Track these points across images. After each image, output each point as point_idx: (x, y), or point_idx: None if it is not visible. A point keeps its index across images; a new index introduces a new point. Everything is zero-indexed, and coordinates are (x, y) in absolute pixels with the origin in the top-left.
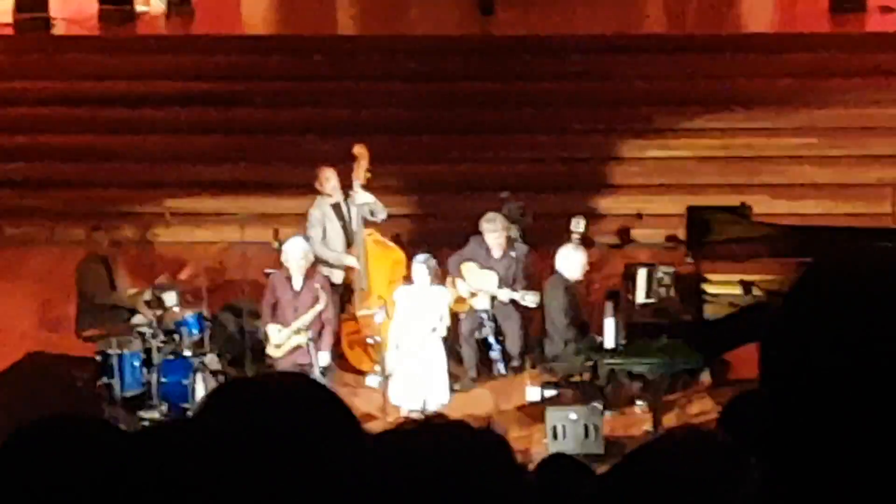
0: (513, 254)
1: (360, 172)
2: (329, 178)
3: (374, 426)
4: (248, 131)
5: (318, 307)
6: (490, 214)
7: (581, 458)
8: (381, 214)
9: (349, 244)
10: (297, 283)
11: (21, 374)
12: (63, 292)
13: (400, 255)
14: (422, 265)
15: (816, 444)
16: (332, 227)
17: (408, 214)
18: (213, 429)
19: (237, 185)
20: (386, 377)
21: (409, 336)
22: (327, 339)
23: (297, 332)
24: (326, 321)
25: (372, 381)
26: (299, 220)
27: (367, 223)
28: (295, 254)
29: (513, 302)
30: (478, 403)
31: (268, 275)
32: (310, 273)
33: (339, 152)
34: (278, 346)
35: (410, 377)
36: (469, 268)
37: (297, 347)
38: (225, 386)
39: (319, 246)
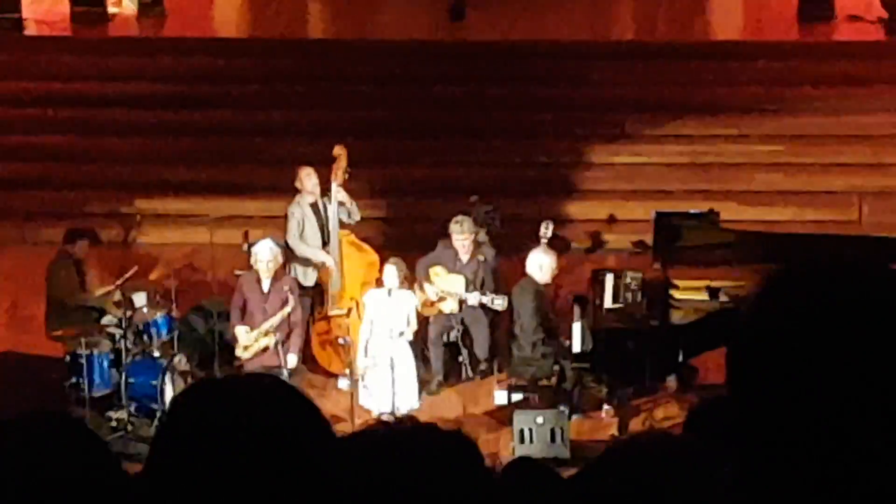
0: (481, 258)
1: (339, 172)
2: (309, 176)
3: (342, 428)
4: (218, 133)
5: (287, 309)
6: (458, 218)
7: (548, 461)
8: (356, 216)
9: (325, 244)
10: (266, 284)
11: None
12: (33, 292)
13: (374, 257)
14: (391, 268)
15: (783, 448)
16: (310, 224)
17: (377, 217)
18: (182, 430)
19: (207, 187)
20: (355, 380)
21: (378, 339)
22: (295, 340)
23: (266, 333)
24: (294, 323)
25: (343, 383)
26: (269, 223)
27: (342, 224)
28: (264, 255)
29: (481, 306)
30: (446, 407)
31: (237, 276)
32: (279, 275)
33: (309, 154)
34: (247, 348)
35: (379, 380)
36: (437, 271)
37: (266, 349)
38: (194, 387)
39: (296, 241)
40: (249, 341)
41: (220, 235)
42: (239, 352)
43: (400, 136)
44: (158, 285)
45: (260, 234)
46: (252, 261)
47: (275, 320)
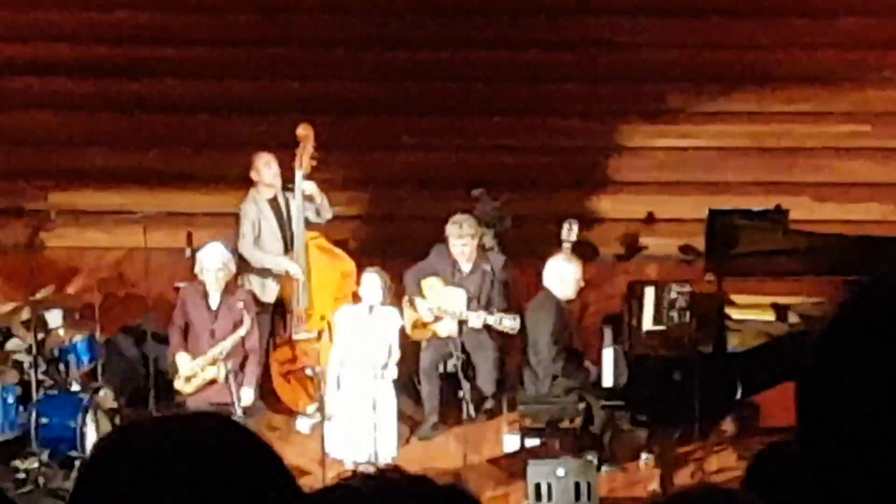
0: (486, 267)
1: (305, 159)
2: (269, 165)
3: (309, 482)
4: (155, 109)
5: (241, 332)
6: (457, 217)
7: None
8: (326, 213)
9: (287, 249)
10: (215, 300)
11: None
12: None
13: (350, 266)
14: (372, 279)
15: None
16: (269, 226)
17: (355, 215)
18: (106, 483)
19: (141, 176)
20: (323, 420)
21: (354, 370)
22: (252, 371)
23: (213, 362)
24: (251, 349)
25: (303, 424)
26: (218, 221)
27: (309, 225)
28: (212, 263)
29: (486, 327)
30: (442, 455)
31: (178, 289)
32: (230, 288)
33: (271, 136)
34: (189, 380)
35: (352, 423)
36: (431, 284)
37: (213, 382)
38: (122, 429)
39: (252, 248)
40: (192, 371)
41: (157, 237)
42: (179, 384)
43: (383, 113)
44: (77, 300)
45: (207, 235)
46: (197, 269)
47: (225, 345)
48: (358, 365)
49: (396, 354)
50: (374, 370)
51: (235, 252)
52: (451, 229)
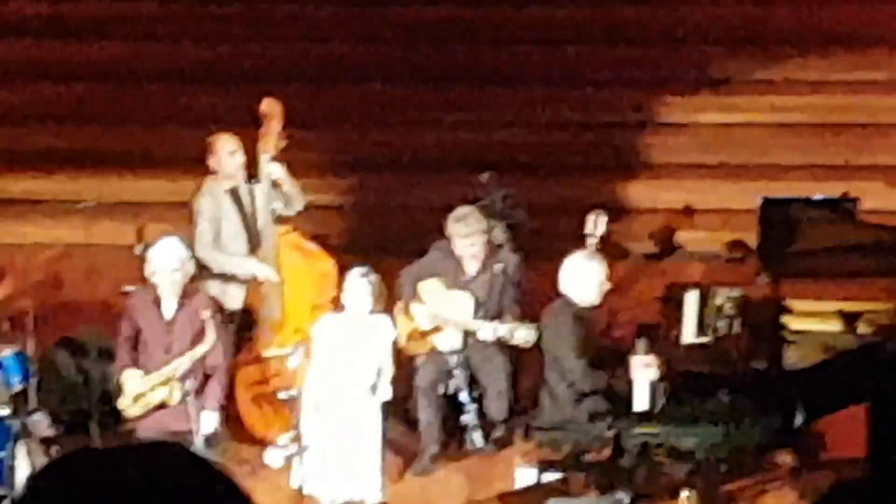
0: (497, 267)
1: (270, 140)
2: (227, 150)
3: None
4: (97, 77)
5: (202, 347)
6: (460, 211)
7: None
8: (297, 204)
9: (254, 248)
10: (170, 307)
11: None
12: None
13: (329, 265)
14: (359, 281)
15: None
16: (230, 222)
17: (337, 205)
18: None
19: (82, 159)
20: (299, 452)
21: (335, 392)
22: (214, 393)
23: (166, 381)
24: (213, 367)
25: (274, 457)
26: (174, 212)
27: (278, 218)
28: (166, 263)
29: (497, 340)
30: (443, 493)
31: (126, 294)
32: (189, 293)
33: (236, 110)
34: (136, 399)
35: (331, 455)
36: (431, 288)
37: (163, 406)
38: (60, 462)
39: (211, 250)
40: (141, 389)
41: (101, 231)
42: (123, 404)
43: (372, 82)
44: (5, 307)
45: (161, 229)
46: (147, 272)
47: (182, 362)
48: (341, 386)
49: (389, 371)
50: (360, 392)
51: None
52: (453, 227)
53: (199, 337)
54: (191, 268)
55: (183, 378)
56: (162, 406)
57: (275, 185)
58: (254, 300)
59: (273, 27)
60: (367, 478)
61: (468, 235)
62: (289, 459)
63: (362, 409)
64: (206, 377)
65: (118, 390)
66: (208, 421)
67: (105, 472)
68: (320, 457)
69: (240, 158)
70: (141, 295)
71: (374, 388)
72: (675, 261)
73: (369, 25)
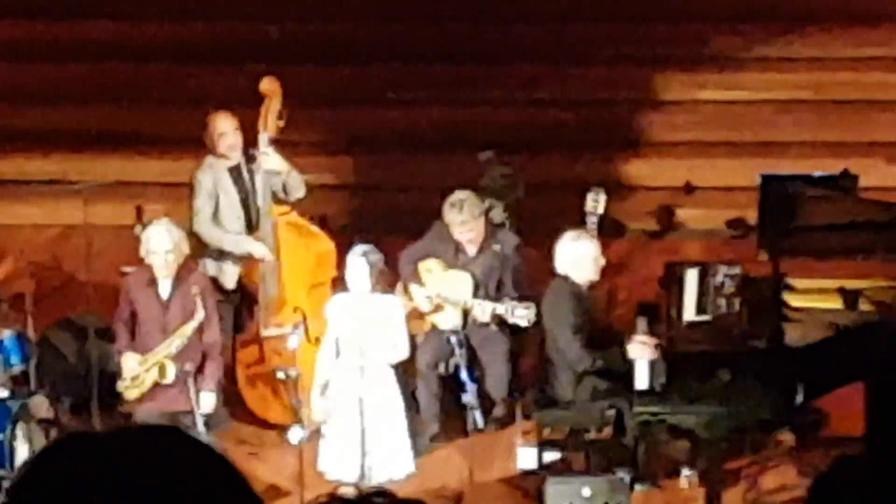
0: (496, 247)
1: (270, 120)
2: (225, 130)
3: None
4: (95, 56)
5: (191, 324)
6: (454, 196)
7: None
8: (297, 191)
9: (252, 228)
10: (165, 288)
11: None
12: None
13: (328, 246)
14: (359, 262)
15: None
16: (229, 201)
17: (339, 185)
18: None
19: (80, 139)
20: (303, 431)
21: (345, 371)
22: (212, 372)
23: (159, 362)
24: (210, 346)
25: (296, 434)
26: (173, 193)
27: (278, 199)
28: (160, 244)
29: (497, 319)
30: (443, 472)
31: (125, 275)
32: (183, 274)
33: (236, 90)
34: (134, 383)
35: (347, 434)
36: (431, 267)
37: (158, 385)
38: (58, 444)
39: (209, 225)
40: (135, 373)
41: (100, 212)
42: (122, 386)
43: (371, 61)
44: (5, 289)
45: (161, 210)
46: (142, 252)
47: (174, 341)
48: (350, 364)
49: (404, 346)
50: (377, 370)
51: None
52: (449, 214)
53: (194, 316)
54: (185, 248)
55: (181, 358)
56: (159, 386)
57: (273, 172)
58: (252, 280)
59: (273, 6)
60: (397, 453)
61: (464, 223)
62: (305, 440)
63: (381, 386)
64: (204, 357)
65: (118, 373)
66: (206, 401)
67: (100, 456)
68: (333, 436)
69: (232, 139)
70: (136, 276)
71: (392, 367)
72: (675, 239)
73: (370, 4)
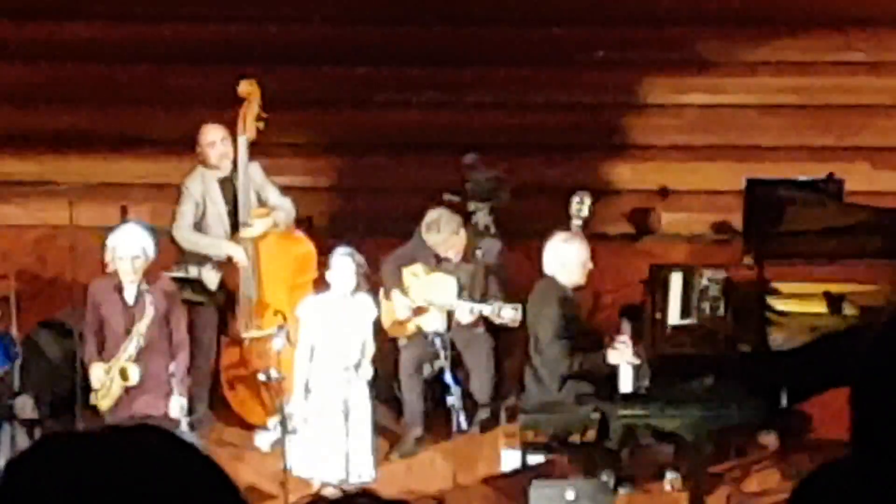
0: (479, 252)
1: (249, 121)
2: (214, 140)
3: None
4: (79, 57)
5: (145, 320)
6: (431, 216)
7: None
8: (287, 217)
9: (233, 232)
10: (131, 293)
11: None
12: None
13: (307, 248)
14: (341, 262)
15: None
16: (216, 211)
17: (321, 187)
18: None
19: (65, 140)
20: (285, 434)
21: (324, 373)
22: (180, 375)
23: (123, 366)
24: (177, 345)
25: (263, 439)
26: (158, 194)
27: (260, 202)
28: (126, 250)
29: (483, 322)
30: (427, 475)
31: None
32: (151, 278)
33: (220, 92)
34: (102, 393)
35: (320, 437)
36: (415, 271)
37: (128, 391)
38: (39, 446)
39: (188, 231)
40: (104, 380)
41: (85, 213)
42: (95, 399)
43: (352, 63)
44: None
45: (145, 210)
46: (108, 258)
47: (130, 343)
48: (328, 366)
49: (371, 349)
50: (347, 372)
51: (158, 233)
52: (426, 236)
53: (161, 320)
54: (151, 252)
55: (139, 361)
56: (130, 392)
57: (260, 202)
58: (233, 284)
59: (256, 8)
60: (359, 456)
61: (443, 242)
62: (278, 442)
63: (350, 388)
64: (172, 355)
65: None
66: (174, 405)
67: (83, 456)
68: (311, 438)
69: (222, 149)
70: (101, 283)
71: (358, 366)
72: (660, 242)
73: (353, 5)
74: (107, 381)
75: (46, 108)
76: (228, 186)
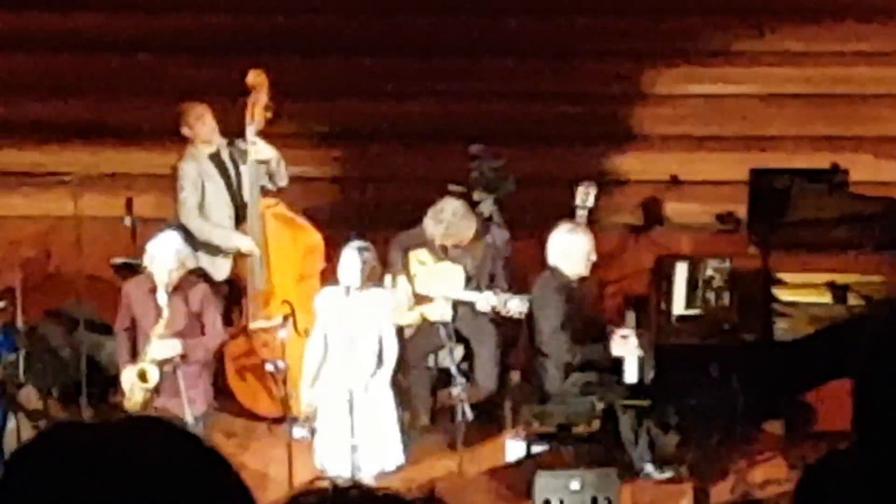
0: (488, 240)
1: (257, 111)
2: (201, 119)
3: (275, 495)
4: (84, 48)
5: (161, 322)
6: (434, 210)
7: None
8: (281, 180)
9: (239, 219)
10: (163, 295)
11: None
12: None
13: (316, 239)
14: (353, 256)
15: None
16: (214, 188)
17: (328, 177)
18: (25, 500)
19: (70, 130)
20: (310, 428)
21: (335, 365)
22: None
23: (142, 369)
24: (210, 338)
25: (299, 432)
26: (164, 184)
27: (265, 191)
28: (164, 261)
29: (488, 311)
30: (431, 464)
31: (115, 267)
32: (184, 284)
33: (224, 82)
34: (130, 396)
35: (337, 427)
36: (421, 258)
37: (155, 392)
38: (43, 437)
39: (198, 218)
40: (131, 384)
41: (90, 203)
42: (128, 405)
43: (358, 53)
44: None
45: (150, 201)
46: (146, 261)
47: (153, 346)
48: (339, 358)
49: (392, 343)
50: (366, 363)
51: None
52: (432, 229)
53: (192, 322)
54: (190, 263)
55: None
56: (156, 392)
57: (260, 162)
58: (241, 273)
59: None
60: (388, 445)
61: (446, 238)
62: (304, 435)
63: (370, 380)
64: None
65: (108, 368)
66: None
67: (88, 447)
68: (325, 430)
69: (210, 122)
70: (136, 283)
71: (378, 358)
72: (665, 232)
73: None
74: (130, 386)
75: (49, 99)
76: (221, 162)
